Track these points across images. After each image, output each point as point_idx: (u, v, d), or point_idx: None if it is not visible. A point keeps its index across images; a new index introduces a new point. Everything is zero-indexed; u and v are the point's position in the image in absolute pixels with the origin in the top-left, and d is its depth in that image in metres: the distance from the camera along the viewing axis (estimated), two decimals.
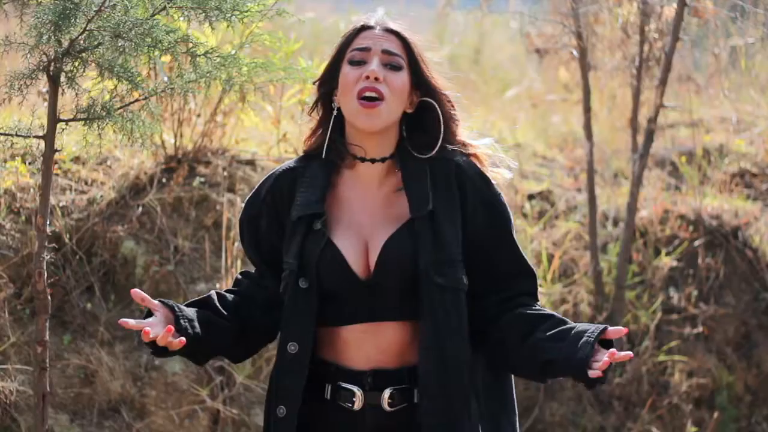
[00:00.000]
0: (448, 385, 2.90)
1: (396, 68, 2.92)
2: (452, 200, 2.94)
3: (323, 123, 2.98)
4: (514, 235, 3.01)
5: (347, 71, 2.91)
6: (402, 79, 2.92)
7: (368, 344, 2.93)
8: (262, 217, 3.01)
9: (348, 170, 2.98)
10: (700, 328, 6.37)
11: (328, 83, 2.97)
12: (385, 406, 2.92)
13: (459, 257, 2.92)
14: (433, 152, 2.94)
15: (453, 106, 2.97)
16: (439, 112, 2.94)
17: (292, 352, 2.91)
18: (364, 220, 2.95)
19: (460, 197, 2.95)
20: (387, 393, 2.92)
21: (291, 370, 2.92)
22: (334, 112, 2.95)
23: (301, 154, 3.07)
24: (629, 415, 6.11)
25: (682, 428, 6.16)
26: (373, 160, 2.96)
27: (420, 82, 2.94)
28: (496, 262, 2.97)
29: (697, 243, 6.56)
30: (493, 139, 3.05)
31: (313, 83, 3.02)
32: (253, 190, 3.05)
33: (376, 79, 2.88)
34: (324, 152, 2.96)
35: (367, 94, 2.88)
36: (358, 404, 2.93)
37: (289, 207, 2.97)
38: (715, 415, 6.21)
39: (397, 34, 2.95)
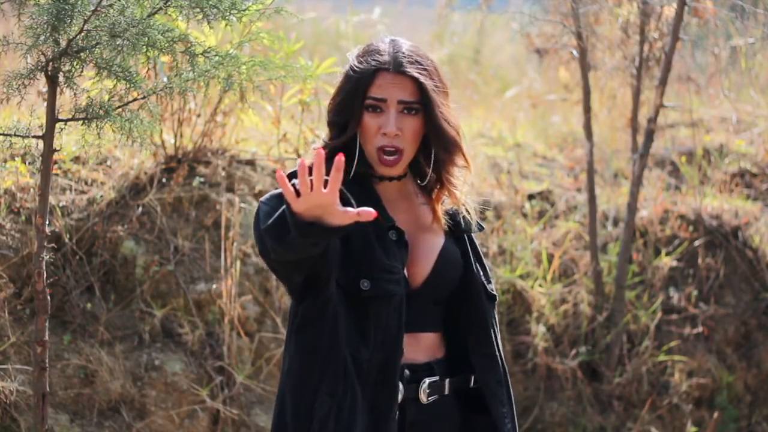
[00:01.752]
0: (505, 386, 3.13)
1: (411, 112, 3.02)
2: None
3: (343, 150, 3.01)
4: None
5: (366, 119, 3.02)
6: (416, 123, 3.03)
7: (406, 348, 3.04)
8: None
9: (375, 186, 3.11)
10: (700, 328, 6.37)
11: (345, 117, 3.04)
12: (423, 398, 3.04)
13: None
14: (425, 181, 3.09)
15: (453, 151, 3.05)
16: (433, 151, 3.05)
17: (402, 349, 2.99)
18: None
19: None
20: (425, 383, 3.05)
21: (396, 367, 2.98)
22: (358, 144, 3.05)
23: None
24: (629, 415, 6.11)
25: (682, 428, 6.16)
26: (391, 179, 3.09)
27: (429, 124, 3.03)
28: None
29: (697, 243, 6.56)
30: (477, 203, 3.21)
31: (328, 122, 3.07)
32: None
33: (396, 135, 3.00)
34: (352, 173, 3.03)
35: (388, 150, 3.02)
36: (400, 398, 3.01)
37: None
38: (715, 415, 6.21)
39: (411, 78, 3.01)
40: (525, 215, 6.49)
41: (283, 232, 2.73)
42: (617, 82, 7.17)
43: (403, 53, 3.02)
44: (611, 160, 7.07)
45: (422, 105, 3.00)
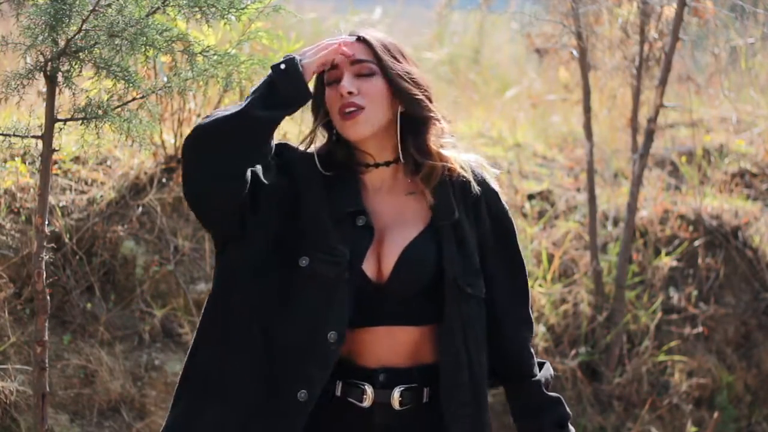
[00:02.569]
0: (472, 393, 2.94)
1: (368, 75, 2.93)
2: (469, 211, 3.00)
3: (329, 143, 2.99)
4: (521, 253, 3.12)
5: (327, 94, 2.94)
6: (376, 84, 2.92)
7: (381, 345, 2.93)
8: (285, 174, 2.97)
9: (360, 176, 3.00)
10: (700, 328, 6.37)
11: (319, 108, 2.99)
12: (395, 404, 2.92)
13: (481, 267, 2.98)
14: (399, 157, 2.96)
15: (427, 108, 2.94)
16: (398, 118, 2.94)
17: (331, 341, 2.86)
18: (376, 226, 2.94)
19: (474, 209, 3.00)
20: (397, 392, 2.92)
21: (322, 358, 2.86)
22: (321, 121, 2.98)
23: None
24: (629, 415, 6.11)
25: (682, 428, 6.16)
26: (377, 165, 2.97)
27: (391, 85, 2.93)
28: (499, 286, 3.04)
29: (697, 243, 6.56)
30: (476, 157, 3.05)
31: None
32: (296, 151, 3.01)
33: (350, 93, 2.90)
34: (319, 165, 2.96)
35: (346, 110, 2.90)
36: (367, 402, 2.91)
37: (305, 190, 2.94)
38: (715, 415, 6.21)
39: (363, 41, 2.95)
40: (525, 215, 6.49)
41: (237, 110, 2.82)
42: (617, 82, 7.16)
43: (362, 28, 2.98)
44: (611, 160, 7.07)
45: (379, 65, 2.92)
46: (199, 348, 2.94)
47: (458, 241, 2.95)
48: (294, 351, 2.88)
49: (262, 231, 2.90)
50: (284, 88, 2.86)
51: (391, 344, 2.93)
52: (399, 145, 2.95)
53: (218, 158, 2.82)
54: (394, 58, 2.94)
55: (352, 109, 2.90)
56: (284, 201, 2.92)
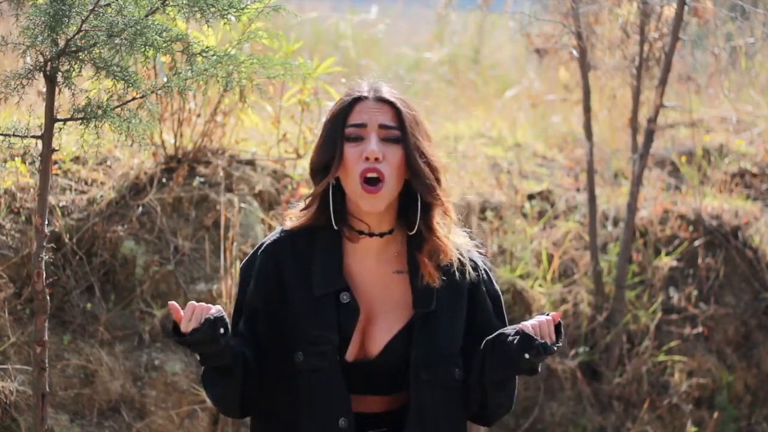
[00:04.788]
0: None
1: (393, 141, 2.92)
2: (460, 289, 3.00)
3: (322, 196, 2.96)
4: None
5: (346, 150, 2.91)
6: (397, 153, 2.92)
7: (356, 403, 2.98)
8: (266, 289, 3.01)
9: (349, 243, 2.99)
10: (700, 328, 6.37)
11: (326, 154, 2.95)
12: None
13: (455, 351, 2.98)
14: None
15: (434, 189, 2.94)
16: (418, 195, 2.94)
17: (342, 427, 2.92)
18: (363, 298, 2.96)
19: (469, 285, 3.01)
20: None
21: None
22: (332, 183, 2.95)
23: (289, 216, 3.03)
24: (629, 415, 6.11)
25: (682, 428, 6.16)
26: (371, 234, 2.97)
27: (408, 160, 2.92)
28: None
29: (697, 243, 6.56)
30: (467, 241, 3.05)
31: (311, 170, 3.00)
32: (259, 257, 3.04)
33: (377, 159, 2.88)
34: (333, 223, 2.95)
35: (369, 175, 2.89)
36: None
37: (280, 278, 2.98)
38: (715, 415, 6.21)
39: (391, 104, 2.93)
40: (525, 215, 6.49)
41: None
42: (617, 82, 7.16)
43: (383, 85, 2.96)
44: (611, 160, 7.07)
45: (401, 133, 2.90)
46: None
47: (430, 331, 2.96)
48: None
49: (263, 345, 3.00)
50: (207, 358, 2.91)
51: (364, 403, 2.98)
52: (418, 215, 2.93)
53: (249, 408, 3.02)
54: (417, 133, 2.93)
55: (375, 176, 2.88)
56: (263, 312, 2.99)
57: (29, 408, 4.79)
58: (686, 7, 5.92)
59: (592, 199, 6.22)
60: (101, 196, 5.38)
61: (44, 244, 3.69)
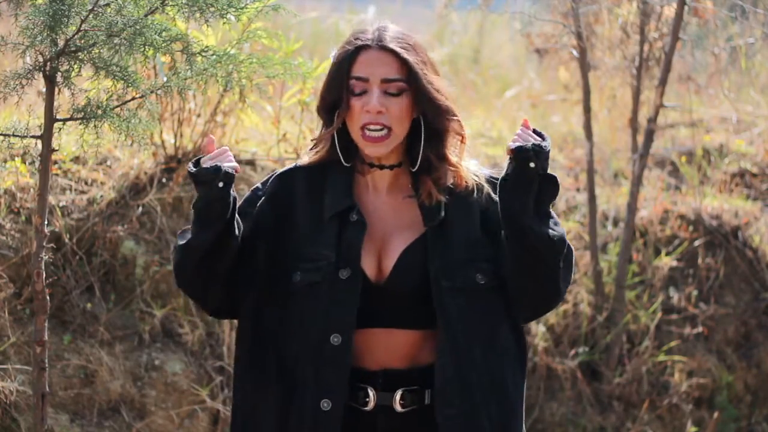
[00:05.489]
0: (466, 391, 2.91)
1: (396, 94, 2.94)
2: (472, 206, 3.03)
3: (330, 134, 3.00)
4: None
5: (352, 102, 2.94)
6: (402, 104, 2.94)
7: (379, 348, 2.95)
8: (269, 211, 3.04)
9: (360, 176, 3.03)
10: (700, 328, 6.37)
11: (331, 98, 2.99)
12: (397, 407, 2.94)
13: (474, 257, 2.97)
14: (416, 166, 2.99)
15: (448, 120, 2.99)
16: (422, 129, 2.98)
17: (335, 344, 2.89)
18: (377, 225, 2.98)
19: (483, 207, 3.04)
20: (399, 394, 2.94)
21: (333, 363, 2.90)
22: (337, 125, 2.98)
23: (303, 157, 3.07)
24: (629, 415, 6.11)
25: (682, 428, 6.16)
26: (381, 167, 3.01)
27: (419, 99, 2.95)
28: None
29: (697, 243, 6.56)
30: (474, 161, 3.13)
31: (317, 109, 3.04)
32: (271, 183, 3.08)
33: (379, 112, 2.92)
34: (343, 160, 2.99)
35: (371, 128, 2.93)
36: (371, 405, 2.94)
37: (292, 201, 3.01)
38: (715, 415, 6.21)
39: (394, 54, 2.94)
40: None
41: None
42: (617, 82, 7.16)
43: (388, 31, 2.97)
44: (611, 160, 7.07)
45: (408, 82, 2.93)
46: (236, 388, 3.05)
47: (444, 239, 2.96)
48: (307, 363, 2.92)
49: (257, 271, 3.00)
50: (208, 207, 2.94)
51: (388, 346, 2.95)
52: (420, 151, 2.98)
53: (194, 284, 3.17)
54: (426, 72, 2.95)
55: (378, 128, 2.92)
56: (269, 232, 3.00)
57: (29, 408, 4.79)
58: (686, 7, 5.92)
59: (592, 199, 6.22)
60: (101, 196, 5.38)
61: (44, 244, 3.69)
